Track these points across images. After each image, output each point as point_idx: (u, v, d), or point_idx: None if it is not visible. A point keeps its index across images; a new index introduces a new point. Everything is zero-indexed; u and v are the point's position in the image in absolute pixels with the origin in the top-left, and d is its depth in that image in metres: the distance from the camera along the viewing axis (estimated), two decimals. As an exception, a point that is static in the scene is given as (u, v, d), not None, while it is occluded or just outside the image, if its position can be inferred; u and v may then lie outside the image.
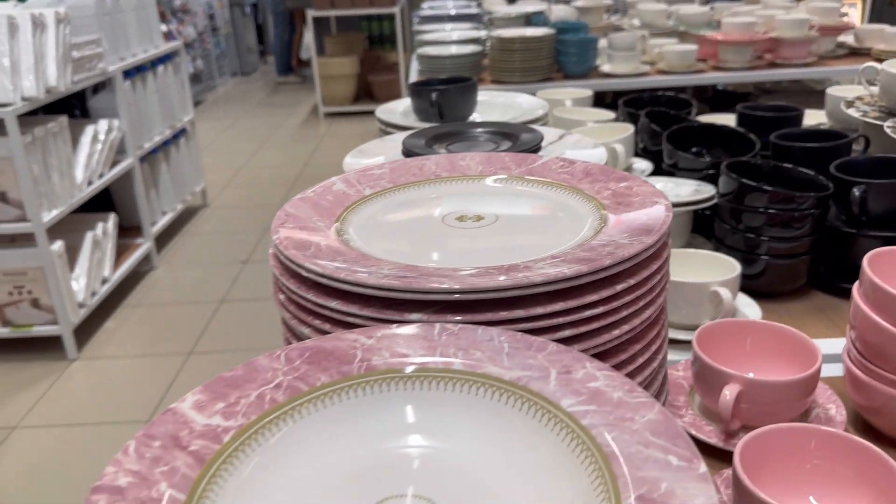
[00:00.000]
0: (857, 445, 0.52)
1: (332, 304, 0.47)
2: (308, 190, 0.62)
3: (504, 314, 0.45)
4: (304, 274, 0.48)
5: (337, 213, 0.58)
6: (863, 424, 0.67)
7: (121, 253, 2.77)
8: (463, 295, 0.44)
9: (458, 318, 0.45)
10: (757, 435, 0.54)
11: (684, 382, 0.71)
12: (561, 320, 0.46)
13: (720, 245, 0.92)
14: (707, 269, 0.83)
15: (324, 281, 0.47)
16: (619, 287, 0.47)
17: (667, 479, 0.30)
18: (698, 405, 0.68)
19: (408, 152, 0.80)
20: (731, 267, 0.82)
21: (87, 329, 2.50)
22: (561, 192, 0.62)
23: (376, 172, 0.67)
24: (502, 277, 0.45)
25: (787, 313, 0.88)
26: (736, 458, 0.51)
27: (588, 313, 0.47)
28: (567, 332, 0.46)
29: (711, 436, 0.64)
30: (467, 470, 0.36)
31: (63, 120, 2.35)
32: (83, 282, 2.43)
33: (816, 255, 0.90)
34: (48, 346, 2.39)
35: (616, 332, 0.48)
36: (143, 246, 2.88)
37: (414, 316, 0.45)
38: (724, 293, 0.77)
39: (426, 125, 0.97)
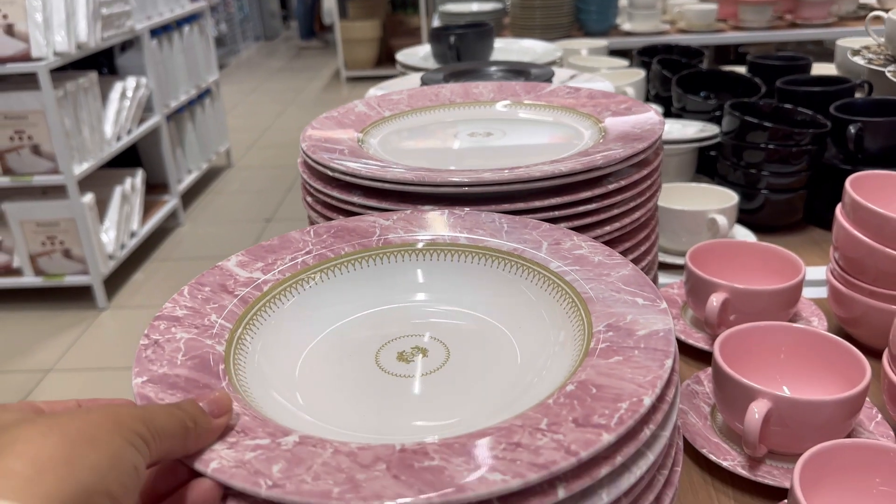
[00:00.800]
0: (827, 339, 0.58)
1: (354, 199, 0.53)
2: (332, 111, 0.68)
3: (506, 206, 0.50)
4: (329, 173, 0.54)
5: (358, 129, 0.64)
6: (844, 337, 0.72)
7: (148, 209, 2.86)
8: (470, 188, 0.50)
9: (466, 209, 0.50)
10: (736, 331, 0.59)
11: (678, 298, 0.77)
12: (557, 213, 0.51)
13: (723, 182, 0.96)
14: (707, 200, 0.88)
15: (346, 178, 0.53)
16: (611, 186, 0.53)
17: (632, 313, 0.36)
18: (690, 318, 0.74)
19: (425, 85, 0.85)
20: (728, 197, 0.87)
21: (116, 280, 2.59)
22: (565, 113, 0.67)
23: (395, 98, 0.72)
24: (506, 172, 0.50)
25: (783, 245, 0.92)
26: (716, 348, 0.56)
27: (582, 209, 0.52)
28: (562, 226, 0.52)
29: (700, 341, 0.69)
30: (471, 320, 0.41)
31: (93, 76, 2.42)
32: (112, 234, 2.52)
33: (813, 191, 0.94)
34: (79, 296, 2.49)
35: (608, 228, 0.53)
36: (170, 203, 2.96)
37: (426, 207, 0.51)
38: (721, 219, 0.82)
39: (443, 66, 1.02)
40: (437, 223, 0.47)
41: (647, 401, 0.30)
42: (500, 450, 0.28)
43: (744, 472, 0.53)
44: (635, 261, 0.57)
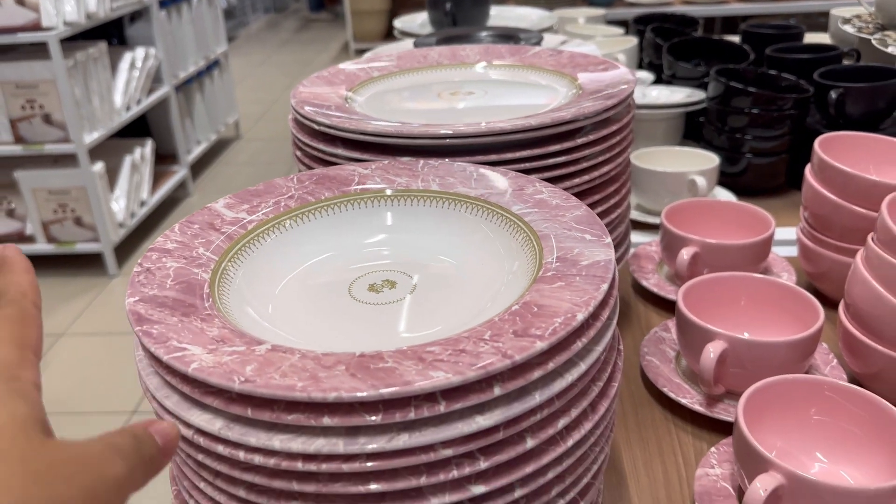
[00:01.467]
0: (785, 288, 0.61)
1: (338, 151, 0.56)
2: (323, 71, 0.71)
3: (480, 157, 0.54)
4: (315, 127, 0.57)
5: (347, 88, 0.67)
6: (814, 293, 0.76)
7: (158, 178, 2.90)
8: (446, 140, 0.53)
9: (444, 160, 0.54)
10: (700, 280, 0.62)
11: (655, 255, 0.80)
12: (529, 165, 0.55)
13: (708, 146, 0.99)
14: (690, 163, 0.91)
15: (330, 131, 0.56)
16: (580, 140, 0.56)
17: (579, 247, 0.40)
18: (665, 273, 0.77)
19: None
20: (710, 160, 0.89)
21: (126, 248, 2.65)
22: (545, 74, 0.70)
23: (385, 60, 0.75)
24: (482, 125, 0.54)
25: (765, 209, 0.96)
26: (679, 295, 0.60)
27: (551, 161, 0.55)
28: (534, 177, 0.55)
29: (672, 293, 0.73)
30: (437, 257, 0.45)
31: (102, 46, 2.45)
32: (123, 203, 2.57)
33: (795, 156, 0.96)
34: (90, 263, 2.55)
35: (577, 181, 0.57)
36: (179, 173, 3.00)
37: (405, 158, 0.54)
38: (700, 180, 0.85)
39: (438, 32, 1.05)
40: (412, 172, 0.51)
41: (580, 316, 0.34)
42: (446, 355, 0.32)
43: (701, 409, 0.57)
44: (605, 213, 0.60)
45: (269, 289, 0.42)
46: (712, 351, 0.55)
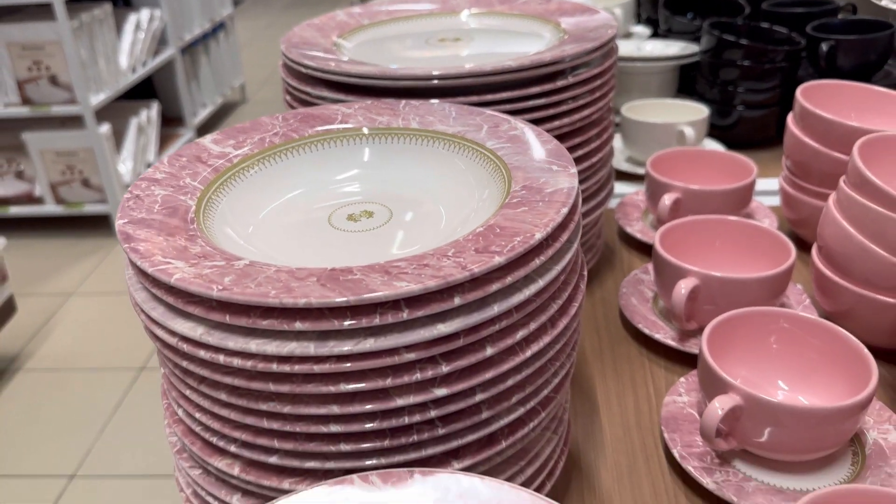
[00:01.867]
0: (758, 229, 0.63)
1: (324, 94, 0.58)
2: (314, 19, 0.73)
3: (461, 98, 0.56)
4: (302, 70, 0.59)
5: (337, 35, 0.69)
6: (794, 239, 0.77)
7: (164, 141, 2.92)
8: (429, 82, 0.55)
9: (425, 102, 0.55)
10: (678, 223, 0.64)
11: (641, 204, 0.82)
12: (511, 107, 0.56)
13: (701, 99, 1.00)
14: (680, 115, 0.92)
15: (316, 74, 0.58)
16: (560, 83, 0.57)
17: (545, 177, 0.42)
18: (650, 221, 0.79)
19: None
20: (699, 111, 0.91)
21: (134, 209, 2.68)
22: (532, 22, 0.71)
23: (376, 8, 0.77)
24: (466, 66, 0.55)
25: (756, 161, 0.97)
26: (657, 237, 0.62)
27: (532, 103, 0.57)
28: (513, 118, 0.57)
29: (645, 234, 0.75)
30: (412, 189, 0.47)
31: (107, 7, 2.46)
32: (129, 165, 2.59)
33: (786, 109, 0.97)
34: (98, 225, 2.58)
35: (557, 123, 0.58)
36: (186, 136, 3.02)
37: (388, 99, 0.56)
38: (688, 131, 0.86)
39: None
40: (394, 111, 0.53)
41: (539, 236, 0.36)
42: (410, 269, 0.34)
43: (673, 343, 0.60)
44: (586, 156, 0.62)
45: (252, 216, 0.44)
46: (684, 287, 0.57)
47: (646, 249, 0.76)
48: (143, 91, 2.90)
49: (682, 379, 0.55)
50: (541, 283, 0.36)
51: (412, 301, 0.33)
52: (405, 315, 0.33)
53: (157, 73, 2.92)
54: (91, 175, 2.47)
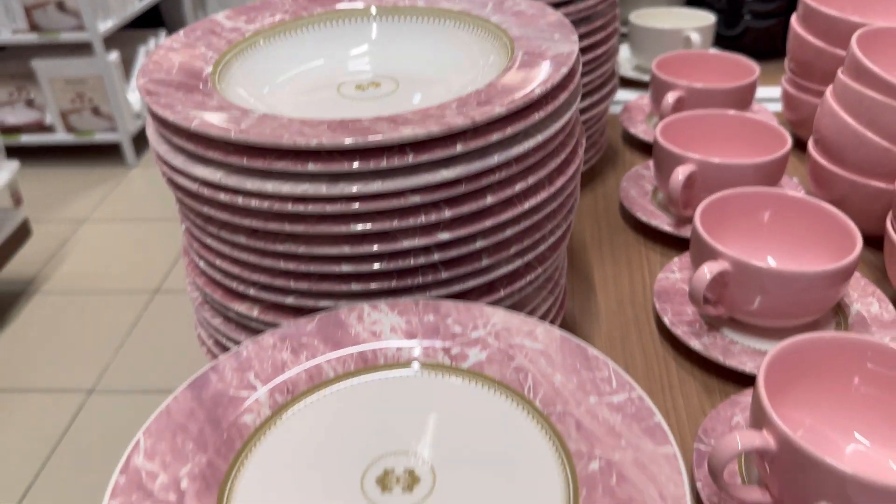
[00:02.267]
0: (754, 122, 0.64)
1: None
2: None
3: None
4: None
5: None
6: (794, 140, 0.79)
7: (172, 70, 2.91)
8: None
9: None
10: (678, 117, 0.66)
11: (646, 108, 0.83)
12: None
13: (709, 8, 1.00)
14: (688, 22, 0.92)
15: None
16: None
17: (547, 44, 0.43)
18: (654, 122, 0.80)
19: None
20: (707, 18, 0.91)
21: (144, 139, 2.69)
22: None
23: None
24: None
25: (761, 71, 0.97)
26: (658, 129, 0.63)
27: None
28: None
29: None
30: (421, 63, 0.49)
31: (112, -70, 2.43)
32: (139, 93, 2.59)
33: (794, 19, 0.97)
34: (109, 153, 2.60)
35: (561, 11, 0.60)
36: (193, 65, 3.01)
37: None
38: (695, 36, 0.87)
39: None
40: None
41: (538, 91, 0.38)
42: (416, 119, 0.36)
43: (669, 229, 0.62)
44: (591, 47, 0.63)
45: (265, 82, 0.46)
46: (681, 173, 0.59)
47: (648, 149, 0.77)
48: (150, 19, 2.88)
49: (675, 258, 0.58)
50: (539, 138, 0.38)
51: (417, 146, 0.36)
52: (410, 159, 0.35)
53: (165, 1, 2.89)
54: (101, 103, 2.47)
